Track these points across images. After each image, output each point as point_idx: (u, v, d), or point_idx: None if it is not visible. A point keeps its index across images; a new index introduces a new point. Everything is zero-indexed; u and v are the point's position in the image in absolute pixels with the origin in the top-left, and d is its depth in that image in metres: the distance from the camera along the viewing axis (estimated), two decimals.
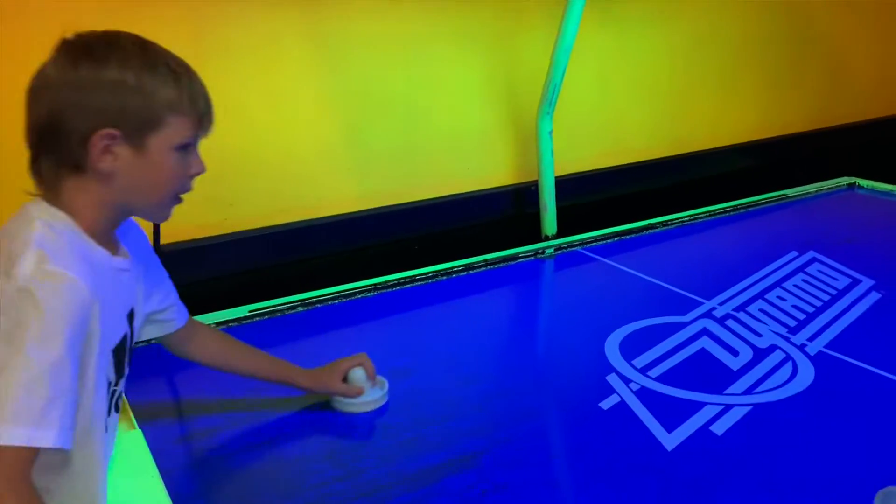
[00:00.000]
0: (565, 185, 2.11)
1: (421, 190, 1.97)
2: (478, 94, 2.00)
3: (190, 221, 1.68)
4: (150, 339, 1.16)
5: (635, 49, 2.25)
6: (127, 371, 0.96)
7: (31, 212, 0.85)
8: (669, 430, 1.22)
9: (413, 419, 1.26)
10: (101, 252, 0.88)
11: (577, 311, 1.71)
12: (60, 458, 0.83)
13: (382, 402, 1.29)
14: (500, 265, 1.90)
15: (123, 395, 0.97)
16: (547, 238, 2.07)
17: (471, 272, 1.86)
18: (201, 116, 0.91)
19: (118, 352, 0.91)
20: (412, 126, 1.92)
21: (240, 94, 1.68)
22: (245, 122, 1.70)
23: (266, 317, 1.64)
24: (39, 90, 0.86)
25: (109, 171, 0.87)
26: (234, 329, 1.59)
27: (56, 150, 0.86)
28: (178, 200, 0.94)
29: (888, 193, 2.45)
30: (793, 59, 2.59)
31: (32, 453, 0.76)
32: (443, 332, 1.61)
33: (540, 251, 1.98)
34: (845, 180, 2.54)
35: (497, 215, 2.09)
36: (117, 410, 0.95)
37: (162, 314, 1.10)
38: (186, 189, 0.94)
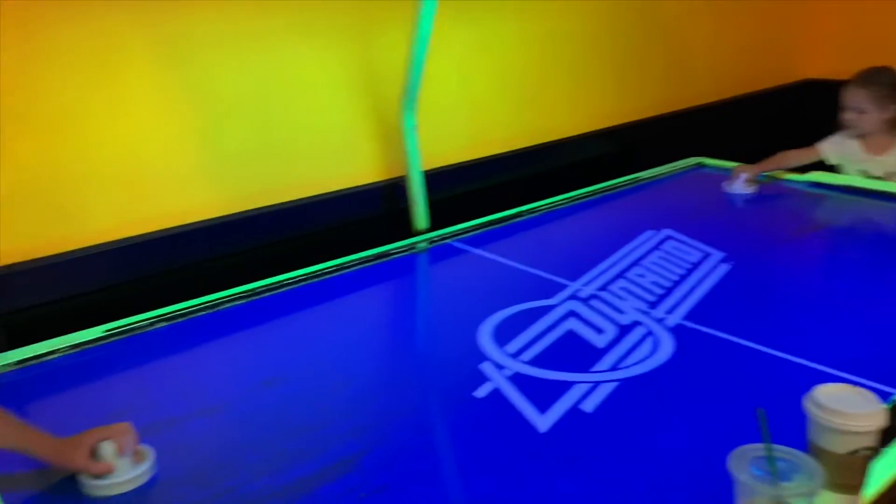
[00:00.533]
0: (434, 178, 2.12)
1: (286, 191, 1.92)
2: (337, 90, 1.97)
3: (32, 239, 1.56)
4: None
5: (492, 43, 2.29)
6: None
7: None
8: (542, 411, 1.25)
9: (285, 430, 1.22)
10: None
11: (451, 303, 1.72)
12: None
13: (141, 482, 1.08)
14: (374, 262, 1.88)
15: None
16: (419, 232, 2.07)
17: (343, 272, 1.83)
18: None
19: None
20: (269, 126, 1.87)
21: (79, 101, 1.57)
22: (87, 131, 1.58)
23: (125, 335, 1.54)
24: None
25: None
26: (91, 350, 1.49)
27: None
28: None
29: (730, 171, 2.62)
30: (637, 50, 2.73)
31: None
32: (315, 337, 1.58)
33: (412, 246, 1.98)
34: (693, 160, 2.70)
35: (368, 213, 2.07)
36: None
37: None
38: None
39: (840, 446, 0.94)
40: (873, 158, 2.36)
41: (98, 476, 1.06)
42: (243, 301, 1.69)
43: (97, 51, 1.56)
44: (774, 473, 0.87)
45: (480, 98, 2.30)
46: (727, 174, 2.60)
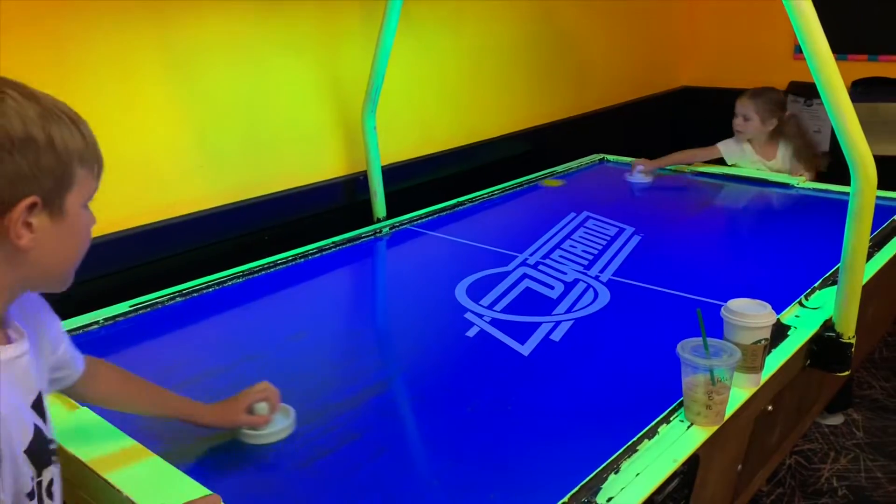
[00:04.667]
0: (387, 173, 2.42)
1: (266, 185, 2.18)
2: (308, 95, 2.25)
3: None
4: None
5: (431, 53, 2.63)
6: (53, 455, 0.89)
7: None
8: (522, 342, 1.60)
9: (321, 367, 1.51)
10: None
11: (424, 273, 2.05)
12: None
13: (291, 431, 1.28)
14: (348, 245, 2.18)
15: (55, 478, 0.91)
16: (379, 220, 2.37)
17: (324, 253, 2.11)
18: (100, 165, 0.84)
19: (33, 447, 0.82)
20: (254, 127, 2.12)
21: (97, 104, 1.78)
22: (103, 130, 1.78)
23: (148, 309, 1.77)
24: None
25: (27, 246, 0.76)
26: (120, 324, 1.70)
27: None
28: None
29: (628, 164, 3.08)
30: (550, 60, 3.15)
31: None
32: (315, 304, 1.86)
33: (378, 231, 2.28)
34: (597, 156, 3.15)
35: (333, 203, 2.35)
36: (50, 497, 0.89)
37: (56, 373, 1.00)
38: (87, 248, 0.85)
39: (746, 339, 1.34)
40: (763, 161, 2.86)
41: (255, 428, 1.24)
42: (244, 279, 1.93)
43: (112, 59, 1.78)
44: (707, 354, 1.26)
45: (423, 102, 2.64)
46: (626, 167, 3.06)
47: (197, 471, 1.16)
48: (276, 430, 1.26)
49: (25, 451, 0.81)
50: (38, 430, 0.84)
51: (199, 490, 1.09)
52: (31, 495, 0.83)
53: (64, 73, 1.71)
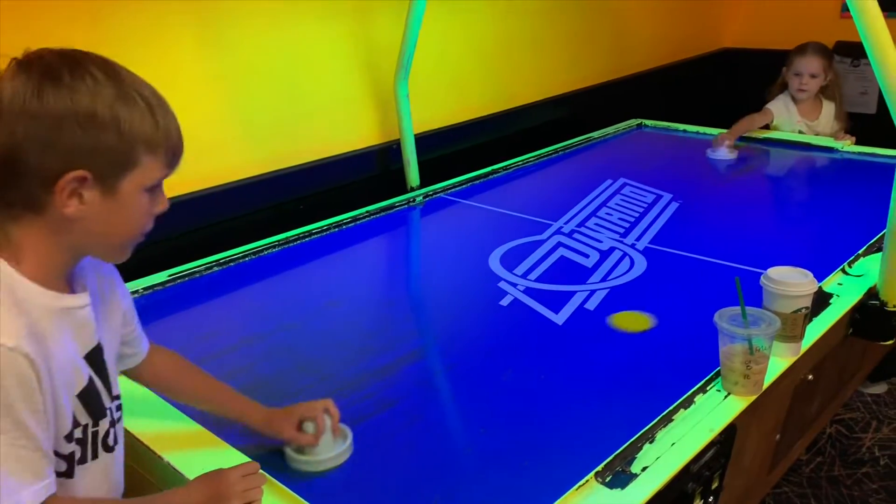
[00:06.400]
0: (420, 141, 2.41)
1: (299, 155, 2.18)
2: (341, 64, 2.23)
3: None
4: None
5: (464, 19, 2.59)
6: (111, 407, 0.93)
7: None
8: (556, 311, 1.59)
9: (357, 335, 1.52)
10: (44, 295, 0.81)
11: (457, 242, 2.04)
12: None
13: (343, 459, 1.12)
14: (382, 214, 2.18)
15: (116, 434, 0.94)
16: (412, 189, 2.37)
17: (359, 222, 2.12)
18: (175, 154, 0.85)
19: (85, 395, 0.87)
20: (287, 97, 2.11)
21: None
22: None
23: (186, 279, 1.79)
24: None
25: (74, 216, 0.79)
26: (158, 293, 1.73)
27: (10, 189, 0.78)
28: (139, 240, 0.88)
29: (666, 129, 3.03)
30: (586, 22, 3.08)
31: None
32: (352, 272, 1.87)
33: (412, 199, 2.28)
34: (634, 122, 3.09)
35: (367, 172, 2.35)
36: (108, 450, 0.93)
37: (124, 349, 1.03)
38: (149, 229, 0.87)
39: (786, 307, 1.31)
40: (806, 122, 2.76)
41: (300, 450, 1.11)
42: (279, 248, 1.95)
43: (149, 31, 1.78)
44: (746, 323, 1.23)
45: (457, 69, 2.60)
46: (664, 132, 3.01)
47: (235, 438, 1.18)
48: (322, 459, 1.10)
49: (77, 396, 0.85)
50: (91, 381, 0.88)
51: (239, 457, 1.11)
52: (69, 437, 0.86)
53: (99, 47, 1.71)
